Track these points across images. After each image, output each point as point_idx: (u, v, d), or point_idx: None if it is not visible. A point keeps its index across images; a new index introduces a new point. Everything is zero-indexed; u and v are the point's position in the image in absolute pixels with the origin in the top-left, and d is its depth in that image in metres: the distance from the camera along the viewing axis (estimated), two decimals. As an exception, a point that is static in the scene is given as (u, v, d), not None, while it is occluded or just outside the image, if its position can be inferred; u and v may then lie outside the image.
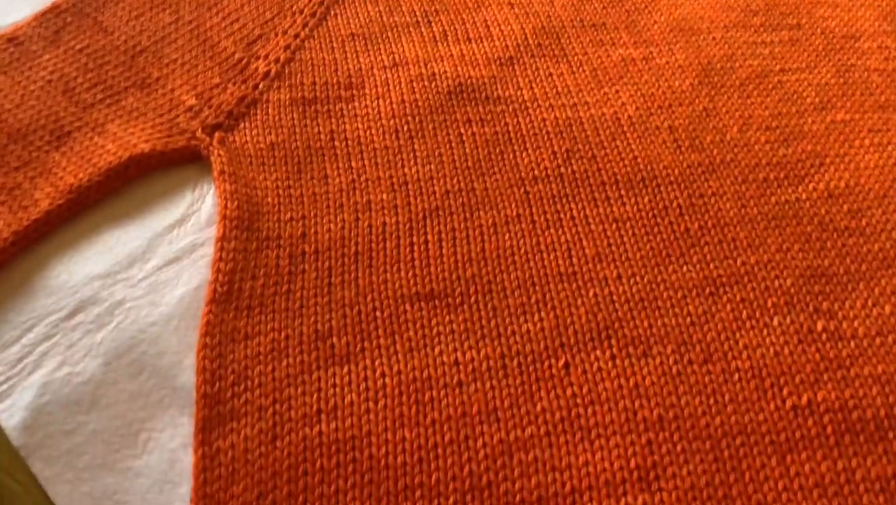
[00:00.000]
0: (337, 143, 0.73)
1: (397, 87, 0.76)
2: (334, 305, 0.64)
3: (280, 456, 0.56)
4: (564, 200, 0.70)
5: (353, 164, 0.71)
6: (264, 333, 0.62)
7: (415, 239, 0.68)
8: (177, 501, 0.56)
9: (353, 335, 0.62)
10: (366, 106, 0.75)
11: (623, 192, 0.71)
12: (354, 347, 0.61)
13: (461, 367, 0.61)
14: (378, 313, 0.63)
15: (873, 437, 0.58)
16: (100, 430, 0.59)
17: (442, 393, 0.59)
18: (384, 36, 0.82)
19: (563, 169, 0.71)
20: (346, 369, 0.60)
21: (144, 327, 0.62)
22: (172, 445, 0.58)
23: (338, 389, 0.59)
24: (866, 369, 0.61)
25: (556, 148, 0.72)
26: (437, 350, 0.62)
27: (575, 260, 0.67)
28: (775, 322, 0.63)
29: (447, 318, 0.63)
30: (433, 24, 0.84)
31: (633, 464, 0.56)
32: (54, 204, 0.68)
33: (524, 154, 0.72)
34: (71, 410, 0.59)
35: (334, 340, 0.62)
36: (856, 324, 0.64)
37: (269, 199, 0.69)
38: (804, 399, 0.59)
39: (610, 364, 0.61)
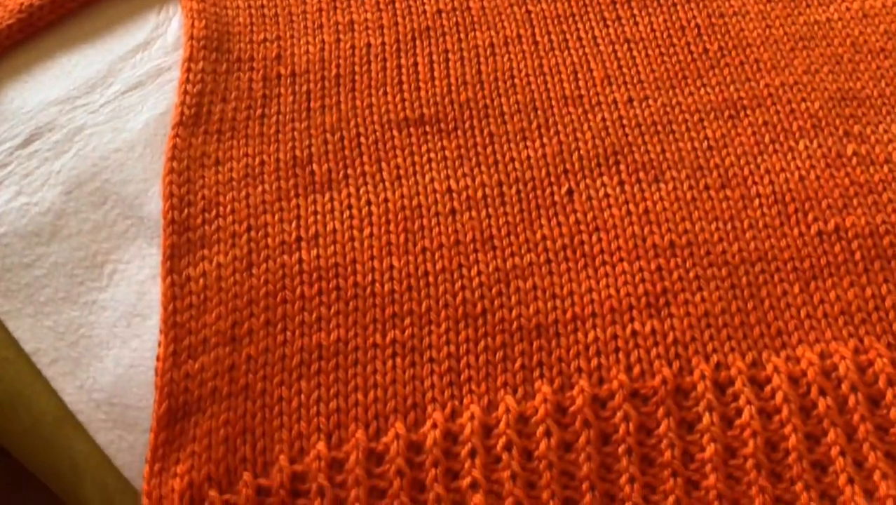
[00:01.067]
0: (317, -37, 0.65)
1: None
2: (314, 130, 0.58)
3: (256, 284, 0.52)
4: (571, 20, 0.63)
5: (335, -17, 0.64)
6: (237, 159, 0.56)
7: (403, 61, 0.61)
8: (146, 334, 0.52)
9: (336, 162, 0.56)
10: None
11: (636, 11, 0.64)
12: (337, 174, 0.56)
13: (454, 194, 0.55)
14: (362, 139, 0.58)
15: (906, 263, 0.53)
16: (61, 262, 0.54)
17: (433, 221, 0.54)
18: None
19: (568, -14, 0.64)
20: (327, 197, 0.55)
21: (107, 154, 0.57)
22: (140, 276, 0.53)
23: (319, 217, 0.54)
24: (900, 195, 0.55)
25: (560, -36, 0.65)
26: (427, 177, 0.56)
27: (581, 83, 0.60)
28: (801, 146, 0.58)
29: (439, 144, 0.57)
30: None
31: (641, 290, 0.51)
32: (3, 24, 0.61)
33: (525, -29, 0.65)
34: (30, 241, 0.54)
35: (314, 166, 0.56)
36: (889, 148, 0.57)
37: (241, 20, 0.62)
38: (831, 224, 0.54)
39: (618, 190, 0.55)
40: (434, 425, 0.47)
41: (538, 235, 0.53)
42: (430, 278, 0.52)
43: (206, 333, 0.50)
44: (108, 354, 0.52)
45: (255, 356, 0.49)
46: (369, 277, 0.52)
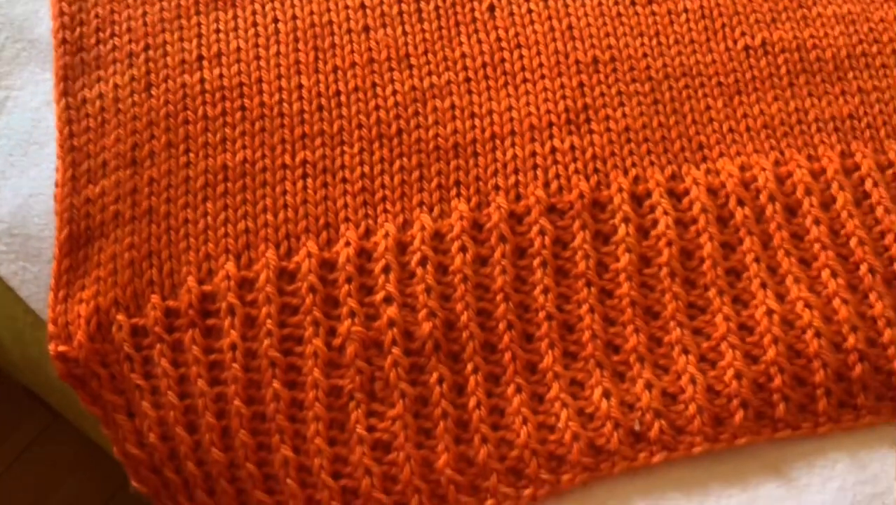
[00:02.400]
0: None
1: None
2: (217, -56, 0.54)
3: (156, 105, 0.49)
4: None
5: None
6: (132, -25, 0.52)
7: None
8: (44, 162, 0.49)
9: (240, -22, 0.53)
10: None
11: None
12: (241, -9, 0.53)
13: (368, 11, 0.52)
14: (270, -46, 0.54)
15: (831, 77, 0.52)
16: (-53, 90, 0.51)
17: (345, 39, 0.51)
18: None
19: None
20: (230, 14, 0.51)
21: (-11, -27, 0.52)
22: (34, 103, 0.50)
23: (222, 35, 0.51)
24: (830, 9, 0.53)
25: None
26: (339, -5, 0.53)
27: None
28: (732, -40, 0.55)
29: (353, -41, 0.54)
30: None
31: (561, 107, 0.50)
32: None
33: None
34: None
35: (218, -17, 0.53)
36: (823, -38, 0.56)
37: None
38: (758, 39, 0.52)
39: (541, 5, 0.52)
40: (347, 243, 0.46)
41: (457, 53, 0.51)
42: (342, 98, 0.49)
43: (105, 156, 0.48)
44: (6, 185, 0.50)
45: (157, 178, 0.47)
46: (276, 97, 0.49)
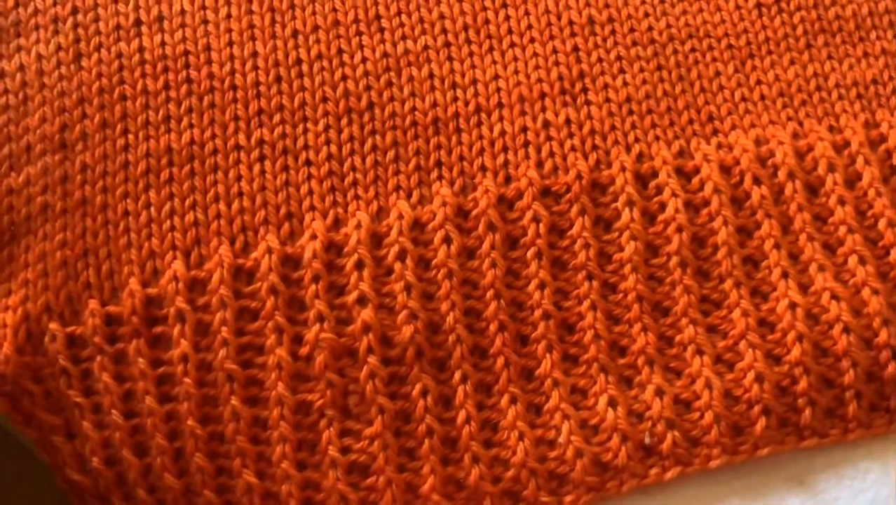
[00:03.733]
0: None
1: None
2: None
3: (88, 78, 0.42)
4: None
5: None
6: (56, -74, 0.45)
7: None
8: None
9: (184, -70, 0.46)
10: None
11: None
12: (186, -55, 0.46)
13: (332, -33, 0.46)
14: None
15: (852, 37, 0.46)
16: None
17: (306, 0, 0.45)
18: None
19: None
20: (174, -29, 0.45)
21: None
22: (-54, 77, 0.44)
23: (163, -5, 0.44)
24: (849, -38, 0.48)
25: None
26: (299, -52, 0.46)
27: None
28: None
29: None
30: None
31: (554, 75, 0.44)
32: None
33: None
34: None
35: (158, -64, 0.46)
36: None
37: None
38: (771, -5, 0.47)
39: (528, -41, 0.47)
40: (313, 236, 0.40)
41: (434, 14, 0.45)
42: (304, 67, 0.43)
43: (29, 139, 0.41)
44: (-84, 174, 0.43)
45: (91, 164, 0.41)
46: (228, 67, 0.42)
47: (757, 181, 0.42)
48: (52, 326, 0.39)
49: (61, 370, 0.39)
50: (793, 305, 0.40)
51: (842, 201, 0.42)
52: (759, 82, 0.45)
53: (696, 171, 0.42)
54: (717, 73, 0.45)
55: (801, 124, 0.44)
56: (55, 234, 0.40)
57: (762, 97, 0.45)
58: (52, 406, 0.40)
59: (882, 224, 0.42)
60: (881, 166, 0.43)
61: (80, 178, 0.40)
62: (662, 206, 0.41)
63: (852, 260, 0.41)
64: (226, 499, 0.38)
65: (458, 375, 0.39)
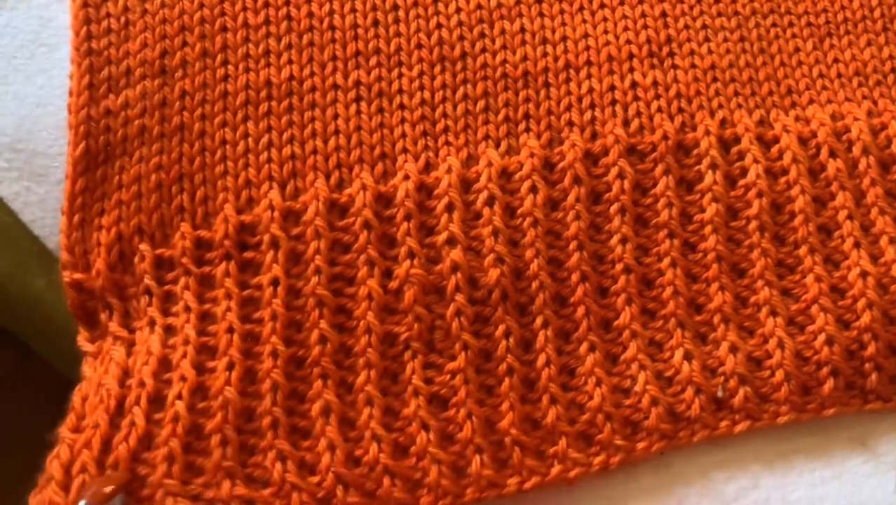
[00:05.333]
0: None
1: None
2: None
3: (190, 7, 0.42)
4: None
5: None
6: None
7: None
8: (54, 68, 0.43)
9: None
10: None
11: None
12: None
13: (429, -82, 0.47)
14: None
15: (928, 24, 0.48)
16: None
17: (404, -53, 0.46)
18: None
19: None
20: None
21: None
22: (43, -1, 0.44)
23: (265, -67, 0.45)
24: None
25: None
26: None
27: None
28: None
29: None
30: None
31: (643, 38, 0.45)
32: None
33: None
34: None
35: None
36: None
37: None
38: (852, -22, 0.48)
39: (619, -75, 0.48)
40: (406, 177, 0.41)
41: (527, -28, 0.46)
42: (401, 13, 0.44)
43: (129, 62, 0.42)
44: (8, 92, 0.43)
45: (191, 92, 0.41)
46: (327, 8, 0.43)
47: (833, 154, 0.43)
48: (143, 246, 0.40)
49: (144, 289, 0.40)
50: (864, 274, 0.41)
51: (913, 179, 0.44)
52: (836, 60, 0.46)
53: (776, 140, 0.44)
54: (797, 49, 0.46)
55: (875, 103, 0.45)
56: (151, 158, 0.41)
57: (839, 75, 0.46)
58: (126, 325, 0.40)
59: (951, 203, 0.43)
60: (951, 148, 0.45)
61: (178, 104, 0.41)
62: (744, 172, 0.43)
63: (922, 235, 0.42)
64: (292, 422, 0.38)
65: (539, 320, 0.40)
